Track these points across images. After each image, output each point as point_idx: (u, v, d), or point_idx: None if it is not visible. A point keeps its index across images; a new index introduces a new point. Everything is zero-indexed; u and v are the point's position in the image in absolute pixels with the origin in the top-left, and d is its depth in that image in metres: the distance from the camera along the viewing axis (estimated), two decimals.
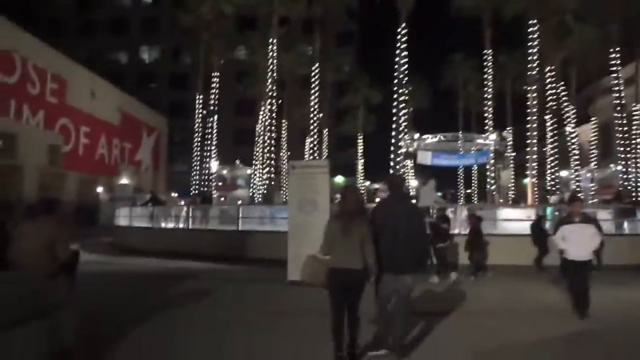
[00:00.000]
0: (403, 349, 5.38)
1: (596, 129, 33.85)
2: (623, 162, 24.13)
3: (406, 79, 22.51)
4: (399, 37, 22.65)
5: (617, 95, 25.73)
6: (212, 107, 31.02)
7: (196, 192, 30.73)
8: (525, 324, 7.35)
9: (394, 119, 22.37)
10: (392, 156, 22.17)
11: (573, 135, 26.23)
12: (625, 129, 24.31)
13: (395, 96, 22.54)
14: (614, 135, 37.33)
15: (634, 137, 26.47)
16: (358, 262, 4.83)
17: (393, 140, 22.18)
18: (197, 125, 33.00)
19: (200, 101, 33.08)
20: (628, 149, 24.73)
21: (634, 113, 26.71)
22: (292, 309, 8.32)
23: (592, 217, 8.15)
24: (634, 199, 21.70)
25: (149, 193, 25.65)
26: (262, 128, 30.35)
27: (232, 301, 9.18)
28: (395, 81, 22.45)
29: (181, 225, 18.64)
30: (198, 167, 32.44)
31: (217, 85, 31.85)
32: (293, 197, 10.51)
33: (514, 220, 16.11)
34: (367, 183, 49.49)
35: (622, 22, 25.39)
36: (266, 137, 27.08)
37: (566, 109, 26.68)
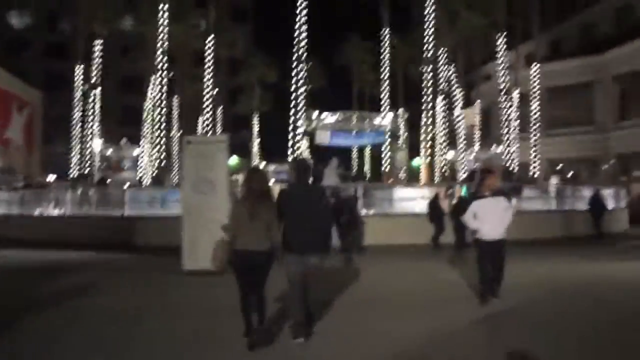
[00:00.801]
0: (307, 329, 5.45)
1: (479, 112, 35.97)
2: (506, 143, 25.71)
3: (304, 56, 21.97)
4: (297, 12, 21.97)
5: (500, 80, 27.35)
6: (94, 80, 28.12)
7: (77, 174, 27.92)
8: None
9: (292, 97, 21.80)
10: (290, 135, 21.62)
11: (460, 118, 27.53)
12: (517, 109, 25.83)
13: (293, 74, 21.94)
14: (495, 119, 40.59)
15: (512, 120, 28.27)
16: (264, 244, 4.95)
17: (292, 119, 21.61)
18: (77, 100, 29.81)
19: (81, 74, 29.81)
20: (510, 129, 26.35)
21: (513, 98, 28.53)
22: (189, 303, 7.47)
23: (502, 189, 7.66)
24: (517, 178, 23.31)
25: (23, 177, 22.69)
26: (152, 105, 28.20)
27: (118, 296, 8.08)
28: (295, 58, 21.83)
29: (60, 212, 16.62)
30: (79, 147, 29.38)
31: (101, 55, 28.81)
32: (188, 176, 9.50)
33: (410, 199, 16.32)
34: (263, 163, 48.59)
35: (506, 11, 26.75)
36: (156, 114, 25.12)
37: (455, 93, 27.87)
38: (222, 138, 9.64)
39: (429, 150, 24.29)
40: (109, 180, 25.08)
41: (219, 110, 40.38)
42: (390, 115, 24.10)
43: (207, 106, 29.33)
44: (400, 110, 24.57)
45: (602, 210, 16.64)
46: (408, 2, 26.66)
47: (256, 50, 45.65)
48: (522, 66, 33.70)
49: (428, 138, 24.06)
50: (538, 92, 28.59)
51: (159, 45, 25.13)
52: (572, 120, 34.42)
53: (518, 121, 27.09)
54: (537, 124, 28.26)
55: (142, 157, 29.35)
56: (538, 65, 28.61)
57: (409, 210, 15.24)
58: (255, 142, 46.87)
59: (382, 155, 26.30)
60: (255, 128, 47.19)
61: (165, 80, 24.84)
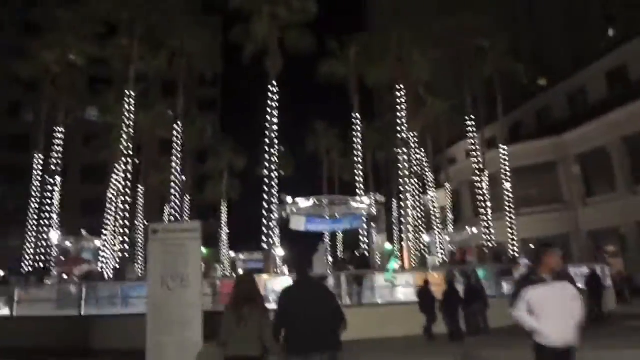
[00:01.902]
0: None
1: (450, 194, 36.10)
2: (484, 223, 25.33)
3: (276, 142, 21.68)
4: (269, 99, 21.94)
5: (471, 162, 27.58)
6: (54, 169, 26.86)
7: (30, 268, 25.84)
8: None
9: (265, 183, 21.13)
10: (264, 222, 20.68)
11: (434, 199, 27.39)
12: (486, 190, 25.72)
13: (265, 159, 21.43)
14: (465, 200, 40.90)
15: (483, 200, 28.22)
16: (256, 349, 4.89)
17: (265, 206, 20.79)
18: (34, 191, 28.32)
19: (40, 162, 28.56)
20: (487, 210, 26.11)
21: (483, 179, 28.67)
22: None
23: (567, 271, 6.21)
24: (509, 258, 22.71)
25: None
26: (115, 194, 27.00)
27: None
28: (268, 143, 21.46)
29: (2, 312, 14.81)
30: (34, 239, 27.44)
31: (61, 143, 27.69)
32: (154, 269, 8.31)
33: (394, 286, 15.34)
34: (232, 253, 46.90)
35: (470, 96, 27.59)
36: (119, 202, 23.88)
37: (426, 175, 27.98)
38: (193, 225, 8.50)
39: (408, 234, 23.63)
40: (64, 275, 23.19)
41: (187, 198, 39.36)
42: (367, 199, 23.63)
43: (174, 195, 28.27)
44: (377, 194, 24.19)
45: (601, 290, 15.99)
46: (373, 90, 27.35)
47: (224, 137, 45.62)
48: (486, 149, 34.51)
49: (408, 220, 23.47)
50: (508, 172, 28.89)
51: (123, 134, 24.35)
52: (539, 199, 34.89)
53: (488, 202, 27.00)
54: (511, 204, 28.25)
55: (103, 248, 27.59)
56: (505, 147, 29.15)
57: (395, 298, 14.21)
58: (224, 231, 45.48)
59: (361, 239, 25.56)
60: (224, 216, 45.98)
61: (129, 168, 23.88)
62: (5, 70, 39.20)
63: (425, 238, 27.18)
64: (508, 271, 15.93)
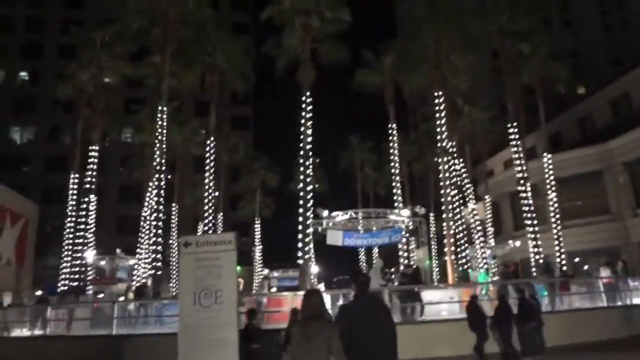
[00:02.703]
0: None
1: (490, 206, 34.84)
2: (532, 236, 23.98)
3: (310, 155, 21.11)
4: (302, 112, 21.48)
5: (512, 172, 26.37)
6: (88, 187, 26.96)
7: (65, 287, 25.82)
8: None
9: (301, 195, 20.50)
10: (300, 237, 19.98)
11: (475, 212, 26.26)
12: (530, 201, 24.41)
13: (302, 171, 20.87)
14: (505, 213, 39.48)
15: (527, 212, 26.91)
16: None
17: (300, 219, 20.11)
18: (70, 210, 28.49)
19: (76, 181, 28.72)
20: (533, 222, 24.77)
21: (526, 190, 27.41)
22: None
23: None
24: (562, 272, 21.39)
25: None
26: (149, 212, 26.88)
27: None
28: (302, 155, 20.93)
29: (35, 332, 14.54)
30: (70, 259, 27.50)
31: (96, 161, 27.78)
32: (186, 285, 7.70)
33: (440, 303, 14.42)
34: (266, 271, 46.44)
35: (510, 103, 26.39)
36: (152, 220, 23.66)
37: (466, 187, 26.91)
38: (228, 237, 7.82)
39: (450, 248, 22.49)
40: (99, 294, 22.99)
41: (220, 216, 39.21)
42: (406, 211, 22.71)
43: (208, 213, 27.97)
44: (418, 207, 23.23)
45: None
46: (403, 102, 26.69)
47: (257, 154, 45.62)
48: (527, 159, 33.22)
49: (452, 232, 22.32)
50: (553, 182, 27.52)
51: (157, 151, 24.13)
52: (585, 210, 33.27)
53: (534, 214, 25.64)
54: (557, 215, 26.84)
55: (137, 267, 27.44)
56: (548, 155, 27.79)
57: (442, 315, 13.30)
58: (258, 249, 45.14)
59: (400, 254, 24.59)
60: (257, 233, 45.67)
61: (162, 185, 23.67)
62: (46, 94, 40.33)
63: (467, 252, 26.02)
64: (565, 284, 14.80)
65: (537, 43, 25.13)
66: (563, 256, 25.65)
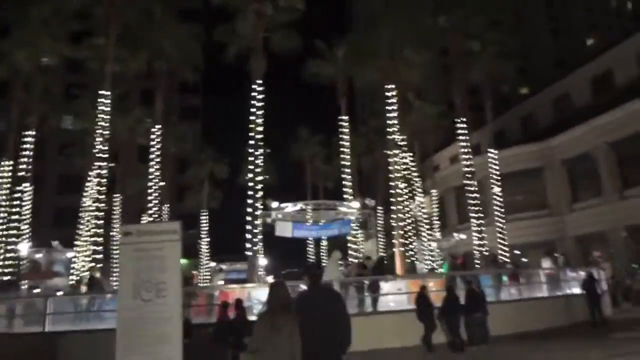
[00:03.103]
0: None
1: (436, 200, 35.53)
2: (476, 229, 24.54)
3: (260, 144, 20.61)
4: (252, 101, 20.92)
5: (457, 167, 26.89)
6: (24, 174, 25.32)
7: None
8: None
9: (250, 188, 20.00)
10: (248, 228, 19.50)
11: (422, 205, 26.64)
12: (476, 195, 24.96)
13: (251, 161, 20.33)
14: (450, 207, 40.41)
15: (472, 206, 27.58)
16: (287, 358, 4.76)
17: (249, 210, 19.58)
18: (3, 199, 26.69)
19: (10, 168, 26.90)
20: (478, 215, 25.35)
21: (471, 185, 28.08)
22: None
23: None
24: (509, 262, 21.90)
25: None
26: (89, 203, 25.56)
27: None
28: (252, 145, 20.38)
29: None
30: (2, 251, 25.78)
31: (32, 147, 26.06)
32: (125, 277, 7.16)
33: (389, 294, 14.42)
34: (213, 264, 45.51)
35: (459, 99, 26.88)
36: (92, 210, 22.48)
37: (412, 181, 27.24)
38: (172, 226, 7.26)
39: (400, 240, 22.62)
40: (35, 289, 21.71)
41: (165, 208, 38.03)
42: (356, 203, 22.64)
43: (153, 204, 26.95)
44: (367, 199, 23.25)
45: (598, 294, 15.28)
46: (353, 96, 26.67)
47: (205, 145, 44.56)
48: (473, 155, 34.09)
49: (400, 224, 22.40)
50: (497, 177, 28.31)
51: (99, 139, 22.88)
52: (526, 205, 34.55)
53: (478, 208, 26.30)
54: (501, 209, 27.65)
55: (76, 260, 26.11)
56: (494, 150, 28.54)
57: (390, 307, 13.31)
58: (205, 241, 44.06)
59: (349, 246, 24.53)
60: (204, 226, 44.56)
61: (104, 174, 22.51)
62: None
63: (414, 244, 26.39)
64: (515, 275, 15.18)
65: (487, 42, 25.67)
66: (506, 249, 26.43)
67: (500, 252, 25.34)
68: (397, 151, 22.71)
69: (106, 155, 23.48)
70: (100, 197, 22.13)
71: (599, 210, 30.63)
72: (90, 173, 25.46)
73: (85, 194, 27.95)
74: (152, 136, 26.12)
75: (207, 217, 44.46)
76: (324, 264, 22.63)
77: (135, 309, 6.91)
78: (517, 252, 30.98)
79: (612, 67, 34.61)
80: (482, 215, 25.13)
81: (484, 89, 28.67)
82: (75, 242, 27.78)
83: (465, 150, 25.03)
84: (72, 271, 26.34)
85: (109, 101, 22.12)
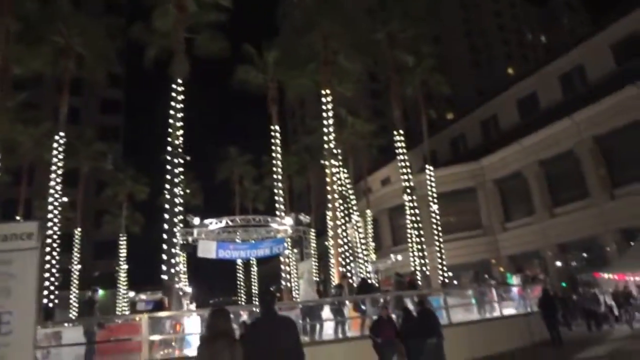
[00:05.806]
0: None
1: (371, 222, 34.44)
2: (415, 249, 23.25)
3: (179, 152, 18.07)
4: (172, 108, 18.51)
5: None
6: None
7: None
8: None
9: (168, 202, 17.33)
10: (165, 248, 16.71)
11: (359, 225, 25.21)
12: (412, 214, 23.79)
13: (171, 174, 17.73)
14: (382, 229, 39.52)
15: (410, 227, 26.52)
16: None
17: (166, 227, 16.90)
18: None
19: None
20: (414, 236, 24.17)
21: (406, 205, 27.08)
22: None
23: None
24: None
25: None
26: None
27: None
28: (170, 156, 17.80)
29: None
30: None
31: None
32: None
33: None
34: (132, 294, 41.47)
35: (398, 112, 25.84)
36: None
37: (350, 198, 25.81)
38: (25, 228, 5.17)
39: (338, 259, 20.50)
40: None
41: (77, 232, 34.30)
42: (289, 219, 20.60)
43: (58, 230, 22.87)
44: (302, 214, 21.21)
45: (555, 312, 14.24)
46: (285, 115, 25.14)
47: (125, 165, 40.91)
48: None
49: (339, 243, 20.15)
50: (434, 197, 27.50)
51: None
52: (460, 225, 34.26)
53: (415, 229, 25.16)
54: (438, 228, 26.78)
55: None
56: (431, 168, 27.77)
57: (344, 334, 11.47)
58: (123, 268, 40.03)
59: (282, 268, 22.09)
60: (123, 252, 40.53)
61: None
62: None
63: (351, 265, 24.76)
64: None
65: (422, 54, 24.99)
66: (445, 269, 25.48)
67: (439, 272, 24.27)
68: (334, 162, 20.92)
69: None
70: None
71: (531, 229, 30.72)
72: None
73: None
74: (54, 151, 22.10)
75: (127, 242, 40.61)
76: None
77: None
78: (450, 273, 30.32)
79: (536, 89, 35.53)
80: (422, 233, 23.97)
81: (419, 103, 27.92)
82: None
83: (404, 164, 23.87)
84: None
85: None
